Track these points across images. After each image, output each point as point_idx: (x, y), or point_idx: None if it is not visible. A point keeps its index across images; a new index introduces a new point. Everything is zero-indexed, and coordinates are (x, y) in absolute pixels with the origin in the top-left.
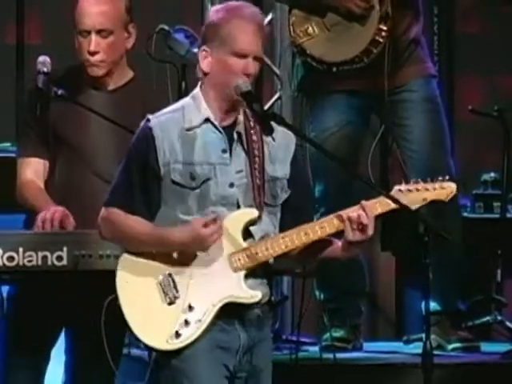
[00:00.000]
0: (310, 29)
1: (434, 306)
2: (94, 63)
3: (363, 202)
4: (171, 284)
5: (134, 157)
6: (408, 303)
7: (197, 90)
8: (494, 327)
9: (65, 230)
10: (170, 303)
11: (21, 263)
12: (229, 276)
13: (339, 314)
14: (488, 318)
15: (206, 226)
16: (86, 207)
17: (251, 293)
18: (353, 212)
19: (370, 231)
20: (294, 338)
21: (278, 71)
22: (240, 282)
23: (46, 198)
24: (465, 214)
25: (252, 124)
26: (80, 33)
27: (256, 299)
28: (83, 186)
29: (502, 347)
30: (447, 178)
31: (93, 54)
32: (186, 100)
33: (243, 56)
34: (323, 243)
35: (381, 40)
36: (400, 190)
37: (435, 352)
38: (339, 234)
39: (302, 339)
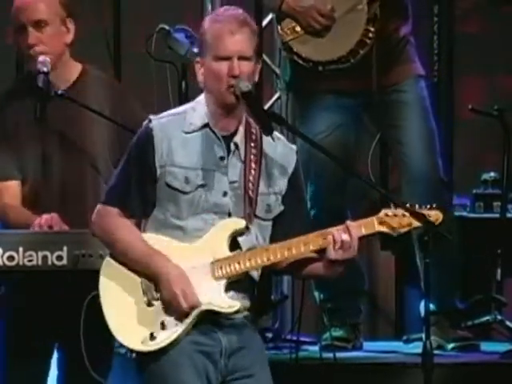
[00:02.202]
0: (298, 27)
1: (431, 306)
2: (35, 57)
3: (348, 223)
4: (152, 286)
5: (133, 156)
6: (408, 303)
7: (201, 97)
8: (493, 327)
9: (65, 230)
10: (149, 305)
11: (21, 263)
12: (209, 284)
13: (339, 314)
14: (488, 317)
15: (185, 297)
16: (84, 206)
17: (229, 303)
18: (338, 232)
19: (354, 252)
20: (294, 338)
21: (277, 70)
22: (220, 290)
23: (29, 213)
24: (465, 214)
25: (253, 136)
26: (17, 30)
27: (233, 309)
28: (81, 185)
29: (501, 347)
30: (434, 205)
31: (32, 46)
32: (190, 105)
33: (225, 59)
34: (307, 259)
35: (368, 41)
36: (387, 215)
37: (435, 351)
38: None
39: (302, 339)
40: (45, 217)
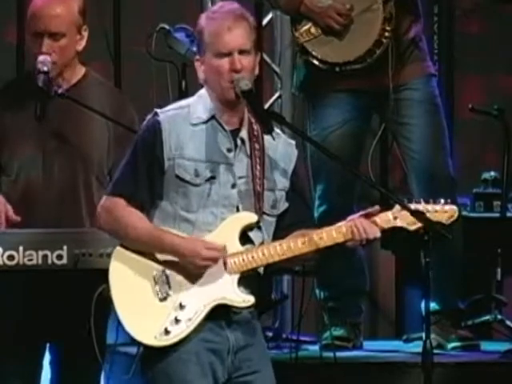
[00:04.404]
0: (313, 28)
1: (433, 305)
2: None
3: (365, 221)
4: (164, 280)
5: (140, 149)
6: (408, 302)
7: (203, 90)
8: (494, 326)
9: (65, 229)
10: (162, 299)
11: (21, 262)
12: (223, 278)
13: (339, 313)
14: (488, 316)
15: (209, 249)
16: (78, 205)
17: (244, 297)
18: (359, 231)
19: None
20: (294, 337)
21: (277, 70)
22: (233, 284)
23: None
24: (465, 213)
25: (255, 133)
26: (32, 34)
27: (248, 304)
28: (75, 184)
29: (502, 346)
30: (448, 201)
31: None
32: (193, 98)
33: (226, 54)
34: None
35: (384, 40)
36: (401, 209)
37: (435, 351)
38: None
39: (302, 338)
40: None
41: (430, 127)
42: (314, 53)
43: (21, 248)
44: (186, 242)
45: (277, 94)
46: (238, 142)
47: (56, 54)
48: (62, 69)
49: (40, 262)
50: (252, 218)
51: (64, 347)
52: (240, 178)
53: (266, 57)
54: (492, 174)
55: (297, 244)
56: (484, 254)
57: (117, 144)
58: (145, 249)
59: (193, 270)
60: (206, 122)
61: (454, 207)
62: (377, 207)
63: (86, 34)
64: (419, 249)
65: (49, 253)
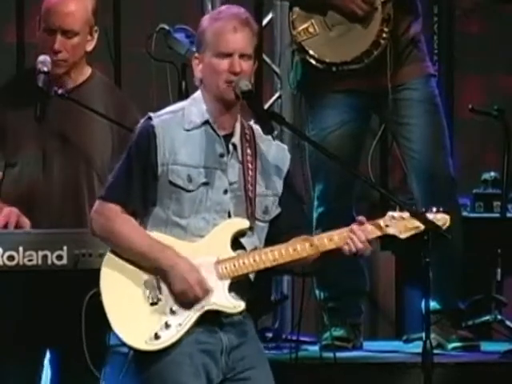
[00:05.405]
0: (311, 27)
1: (433, 305)
2: (55, 62)
3: (357, 227)
4: (155, 285)
5: (134, 154)
6: (408, 302)
7: (197, 93)
8: (494, 326)
9: (65, 230)
10: (153, 304)
11: (21, 262)
12: (214, 283)
13: (339, 314)
14: (488, 317)
15: (200, 286)
16: (83, 204)
17: (234, 303)
18: (351, 240)
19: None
20: (294, 338)
21: (277, 70)
22: (224, 290)
23: None
24: (465, 214)
25: (248, 137)
26: (45, 30)
27: (239, 309)
28: (81, 183)
29: (502, 346)
30: (440, 209)
31: (57, 52)
32: (187, 102)
33: (227, 55)
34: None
35: (382, 41)
36: (393, 217)
37: (435, 351)
38: None
39: (302, 338)
40: (5, 210)
41: (430, 127)
42: (311, 52)
43: (21, 248)
44: (181, 269)
45: (277, 95)
46: (230, 147)
47: (68, 51)
48: (71, 67)
49: (40, 262)
50: (244, 223)
51: (64, 348)
52: (232, 183)
53: (265, 57)
54: (492, 174)
55: (288, 251)
56: (484, 254)
57: (121, 145)
58: (136, 261)
59: (178, 292)
60: (199, 127)
61: (446, 216)
62: (362, 218)
63: (96, 35)
64: (419, 249)
65: (49, 253)
